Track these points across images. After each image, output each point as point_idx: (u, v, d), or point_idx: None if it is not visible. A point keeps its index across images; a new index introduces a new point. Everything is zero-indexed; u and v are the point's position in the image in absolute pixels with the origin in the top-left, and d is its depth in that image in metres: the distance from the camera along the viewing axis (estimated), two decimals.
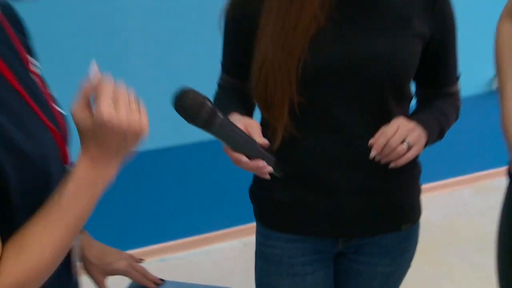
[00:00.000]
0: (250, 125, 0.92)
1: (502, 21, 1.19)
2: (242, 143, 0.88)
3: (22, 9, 0.78)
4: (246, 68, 1.00)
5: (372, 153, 0.92)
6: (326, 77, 0.97)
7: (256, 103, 1.04)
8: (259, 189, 1.13)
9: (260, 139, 0.90)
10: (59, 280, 0.70)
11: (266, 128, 0.98)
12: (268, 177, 0.93)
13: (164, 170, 2.38)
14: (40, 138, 0.66)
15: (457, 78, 1.11)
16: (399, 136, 0.91)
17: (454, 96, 1.11)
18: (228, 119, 0.87)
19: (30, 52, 0.79)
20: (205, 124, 0.82)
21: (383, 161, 0.94)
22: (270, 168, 0.90)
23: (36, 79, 0.74)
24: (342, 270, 1.17)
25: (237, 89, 1.08)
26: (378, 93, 0.99)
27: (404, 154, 0.93)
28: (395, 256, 1.14)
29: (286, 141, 0.99)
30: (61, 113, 0.77)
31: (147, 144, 0.68)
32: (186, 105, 0.80)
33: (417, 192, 1.14)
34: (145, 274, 1.06)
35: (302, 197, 1.06)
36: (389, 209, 1.08)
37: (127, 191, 2.13)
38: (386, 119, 0.96)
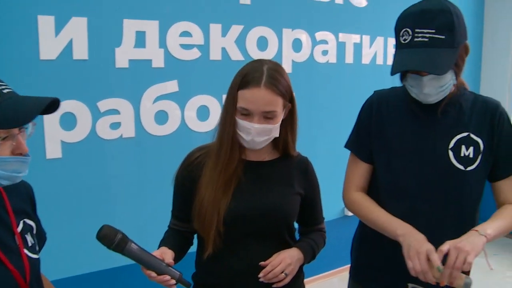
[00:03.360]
0: (164, 252, 1.35)
1: (350, 193, 1.64)
2: (151, 263, 1.27)
3: None
4: (187, 214, 1.47)
5: (260, 275, 1.38)
6: (241, 218, 1.42)
7: (196, 232, 1.50)
8: None
9: (169, 261, 1.31)
10: None
11: (202, 249, 1.46)
12: (172, 285, 1.30)
13: None
14: None
15: (323, 219, 1.66)
16: (280, 268, 1.40)
17: (322, 230, 1.64)
18: (138, 246, 1.27)
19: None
20: (116, 248, 1.23)
21: (269, 282, 1.40)
22: (173, 281, 1.29)
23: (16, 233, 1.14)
24: None
25: (178, 230, 1.54)
26: (275, 229, 1.48)
27: (283, 280, 1.41)
28: None
29: (211, 258, 1.43)
30: (31, 258, 1.15)
31: None
32: (101, 234, 1.22)
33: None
34: None
35: None
36: None
37: None
38: (281, 246, 1.48)
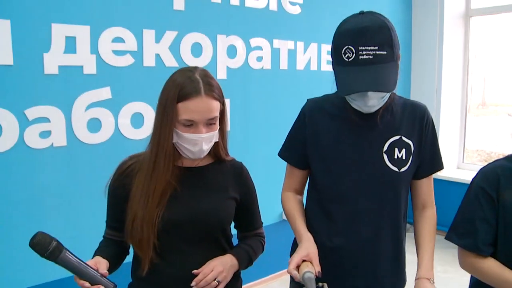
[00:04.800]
0: (98, 262, 1.34)
1: (284, 192, 1.72)
2: (84, 272, 1.25)
3: None
4: (122, 223, 1.45)
5: (192, 284, 1.39)
6: (175, 226, 1.43)
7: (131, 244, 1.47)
8: None
9: (103, 271, 1.30)
10: None
11: (138, 261, 1.46)
12: None
13: None
14: None
15: (261, 224, 1.67)
16: (212, 276, 1.41)
17: (260, 235, 1.66)
18: (73, 255, 1.24)
19: None
20: (49, 256, 1.19)
21: None
22: None
23: None
24: None
25: (113, 239, 1.52)
26: (210, 235, 1.50)
27: (216, 287, 1.41)
28: None
29: (150, 270, 1.43)
30: None
31: None
32: (35, 241, 1.19)
33: None
34: None
35: None
36: None
37: None
38: (218, 252, 1.50)
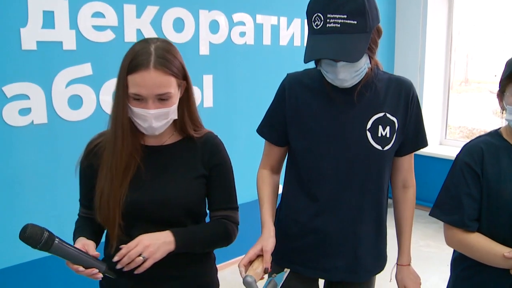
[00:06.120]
0: (86, 244, 1.31)
1: (260, 170, 1.68)
2: (77, 257, 1.25)
3: None
4: (92, 200, 1.40)
5: (115, 259, 1.29)
6: (140, 209, 1.38)
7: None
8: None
9: (93, 253, 1.29)
10: None
11: (108, 239, 1.43)
12: (99, 278, 1.30)
13: None
14: None
15: (234, 207, 1.53)
16: (136, 251, 1.29)
17: (228, 219, 1.50)
18: (64, 242, 1.23)
19: None
20: (42, 248, 1.18)
21: (125, 269, 1.30)
22: (100, 274, 1.28)
23: None
24: None
25: (89, 217, 1.47)
26: (176, 217, 1.43)
27: (142, 264, 1.30)
28: None
29: (118, 248, 1.33)
30: None
31: None
32: (27, 235, 1.16)
33: (214, 272, 1.59)
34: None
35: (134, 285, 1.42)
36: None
37: None
38: None
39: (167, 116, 1.36)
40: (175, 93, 1.36)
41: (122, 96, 1.33)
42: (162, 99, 1.33)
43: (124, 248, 1.30)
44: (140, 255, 1.30)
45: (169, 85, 1.32)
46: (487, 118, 5.41)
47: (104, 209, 1.37)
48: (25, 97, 2.48)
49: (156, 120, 1.34)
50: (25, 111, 2.49)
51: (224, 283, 3.16)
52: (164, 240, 1.35)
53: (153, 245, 1.32)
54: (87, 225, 1.48)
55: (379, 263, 1.66)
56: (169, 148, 1.46)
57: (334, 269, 1.58)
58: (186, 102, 1.44)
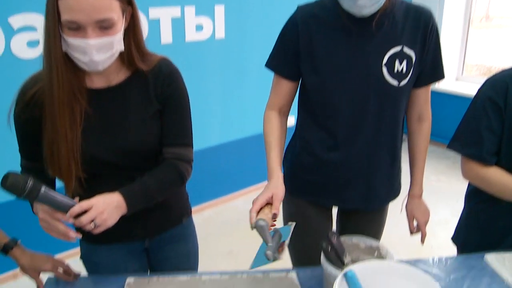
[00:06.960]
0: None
1: (266, 111, 1.58)
2: (62, 203, 1.16)
3: None
4: (39, 154, 1.26)
5: (66, 217, 1.17)
6: (96, 161, 1.28)
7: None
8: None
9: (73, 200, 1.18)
10: None
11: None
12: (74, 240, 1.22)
13: None
14: None
15: (187, 143, 1.39)
16: (89, 217, 1.17)
17: (181, 158, 1.37)
18: (48, 188, 1.13)
19: None
20: (26, 196, 1.10)
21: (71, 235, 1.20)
22: (73, 234, 1.19)
23: None
24: None
25: (33, 169, 1.32)
26: (137, 164, 1.33)
27: (92, 230, 1.19)
28: None
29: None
30: None
31: None
32: (9, 184, 1.07)
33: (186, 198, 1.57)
34: (66, 271, 1.40)
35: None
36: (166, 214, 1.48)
37: None
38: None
39: (111, 46, 1.18)
40: (119, 19, 1.18)
41: (53, 26, 1.13)
42: (104, 26, 1.14)
43: (77, 206, 1.17)
44: (92, 221, 1.18)
45: (110, 9, 1.13)
46: (507, 55, 5.27)
47: (56, 163, 1.23)
48: (32, 28, 2.43)
49: (98, 52, 1.16)
50: (33, 43, 2.45)
51: (236, 212, 3.18)
52: (116, 205, 1.24)
53: (106, 212, 1.20)
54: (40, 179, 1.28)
55: (393, 193, 1.66)
56: (118, 90, 1.30)
57: (348, 198, 1.59)
58: (133, 31, 1.25)
